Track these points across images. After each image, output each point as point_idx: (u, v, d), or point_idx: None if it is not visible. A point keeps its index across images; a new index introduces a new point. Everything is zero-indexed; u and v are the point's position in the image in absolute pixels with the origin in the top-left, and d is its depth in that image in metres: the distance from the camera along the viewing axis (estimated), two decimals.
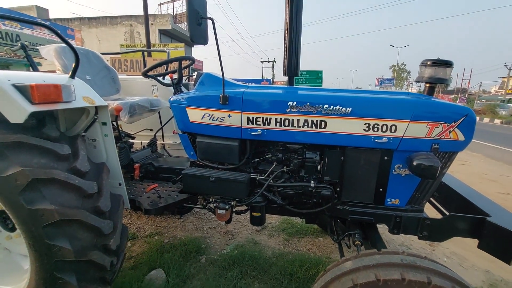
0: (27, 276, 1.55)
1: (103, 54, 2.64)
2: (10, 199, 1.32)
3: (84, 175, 1.51)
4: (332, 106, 1.66)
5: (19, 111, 1.23)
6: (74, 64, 1.58)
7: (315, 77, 21.82)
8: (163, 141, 2.80)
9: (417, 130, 1.61)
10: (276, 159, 1.89)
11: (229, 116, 1.80)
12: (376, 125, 1.65)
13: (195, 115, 1.87)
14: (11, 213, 1.38)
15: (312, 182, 1.82)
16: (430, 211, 1.96)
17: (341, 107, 1.66)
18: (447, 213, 1.89)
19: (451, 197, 2.04)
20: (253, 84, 2.14)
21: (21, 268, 1.82)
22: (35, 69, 2.09)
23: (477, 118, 23.42)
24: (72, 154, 1.49)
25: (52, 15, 21.03)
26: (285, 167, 1.88)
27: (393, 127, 1.63)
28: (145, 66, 2.87)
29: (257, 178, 1.89)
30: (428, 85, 1.77)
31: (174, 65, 2.26)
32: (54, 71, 2.21)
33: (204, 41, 1.51)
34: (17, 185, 1.28)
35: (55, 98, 1.34)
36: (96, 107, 1.67)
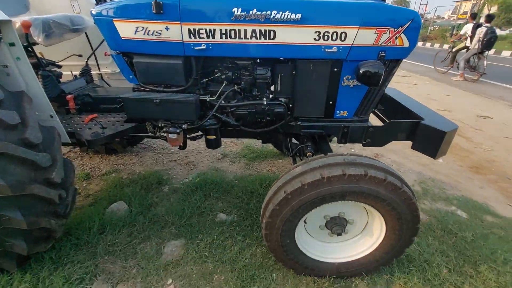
0: None
1: None
2: None
3: (0, 104, 1.29)
4: (281, 12, 1.51)
5: None
6: None
7: None
8: (99, 70, 2.46)
9: (366, 37, 1.57)
10: (226, 78, 1.78)
11: (167, 28, 1.57)
12: (326, 33, 1.57)
13: (126, 29, 1.60)
14: None
15: (264, 99, 1.79)
16: (375, 122, 2.10)
17: (290, 13, 1.52)
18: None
19: (394, 108, 2.19)
20: None
21: None
22: None
23: (429, 44, 24.31)
24: None
25: None
26: (236, 86, 1.79)
27: (343, 34, 1.57)
28: None
29: (208, 100, 1.79)
30: None
31: None
32: None
33: None
34: None
35: None
36: None
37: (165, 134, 1.82)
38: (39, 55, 1.91)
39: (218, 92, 1.78)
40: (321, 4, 1.57)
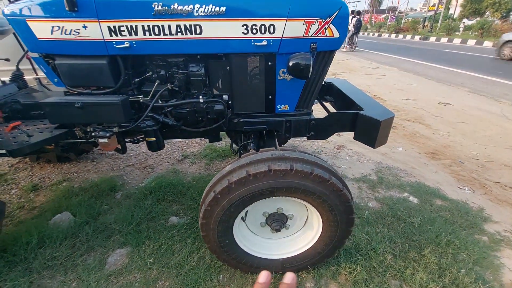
0: None
1: None
2: None
3: None
4: (204, 6, 1.46)
5: None
6: None
7: None
8: (36, 74, 2.32)
9: (295, 29, 1.55)
10: (158, 77, 1.71)
11: (84, 27, 1.48)
12: (254, 26, 1.53)
13: (41, 29, 1.50)
14: None
15: (201, 97, 1.74)
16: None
17: (214, 7, 1.47)
18: None
19: (342, 100, 2.20)
20: None
21: None
22: None
23: (401, 36, 25.03)
24: None
25: None
26: (170, 85, 1.72)
27: (272, 27, 1.54)
28: None
29: (141, 100, 1.72)
30: None
31: None
32: None
33: None
34: None
35: None
36: None
37: (95, 138, 1.73)
38: None
39: (152, 92, 1.71)
40: None
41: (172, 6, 1.46)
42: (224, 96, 1.81)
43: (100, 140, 1.65)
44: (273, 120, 1.87)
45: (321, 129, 1.91)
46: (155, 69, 1.71)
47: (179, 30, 1.52)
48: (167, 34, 1.53)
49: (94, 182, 2.68)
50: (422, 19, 29.96)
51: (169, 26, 1.51)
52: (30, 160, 3.01)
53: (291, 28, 1.55)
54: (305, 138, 2.04)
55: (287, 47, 1.61)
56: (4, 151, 1.65)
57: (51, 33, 1.50)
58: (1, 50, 2.12)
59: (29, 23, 1.49)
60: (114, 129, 1.67)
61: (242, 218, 1.62)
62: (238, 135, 2.23)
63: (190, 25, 1.51)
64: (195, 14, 1.48)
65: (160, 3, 1.45)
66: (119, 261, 1.84)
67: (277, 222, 1.56)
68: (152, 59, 1.70)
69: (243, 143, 1.98)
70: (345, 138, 3.76)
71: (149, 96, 1.72)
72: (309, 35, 1.58)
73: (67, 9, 1.42)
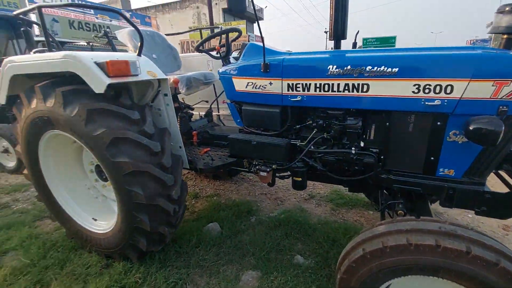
0: (116, 215, 2.03)
1: (166, 35, 2.98)
2: (100, 153, 1.73)
3: (151, 136, 1.84)
4: (375, 68, 1.57)
5: (100, 83, 1.58)
6: (139, 44, 1.87)
7: (387, 44, 18.90)
8: (218, 112, 3.07)
9: (479, 89, 1.40)
10: (316, 126, 1.91)
11: (270, 83, 1.88)
12: (427, 86, 1.49)
13: (240, 84, 2.02)
14: (102, 165, 1.82)
15: (353, 149, 1.80)
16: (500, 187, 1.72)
17: (386, 68, 1.55)
18: None
19: None
20: None
21: (113, 210, 2.37)
22: (114, 49, 2.53)
23: None
24: (141, 119, 1.83)
25: (133, 6, 23.81)
26: (325, 134, 1.88)
27: (449, 87, 1.45)
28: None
29: (298, 144, 1.95)
30: (505, 36, 1.48)
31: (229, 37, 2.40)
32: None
33: (242, 8, 1.58)
34: (104, 142, 1.68)
35: (125, 72, 1.66)
36: (159, 80, 1.96)
37: (257, 171, 2.07)
38: (181, 101, 2.61)
39: (308, 138, 1.92)
40: (422, 57, 1.53)
41: (345, 68, 1.64)
42: (375, 149, 1.80)
43: (261, 173, 1.97)
44: (431, 184, 1.68)
45: (499, 206, 1.55)
46: (315, 119, 1.92)
47: (346, 88, 1.68)
48: (334, 91, 1.72)
49: (236, 202, 3.15)
50: None
51: (338, 84, 1.69)
52: (195, 172, 3.90)
53: (475, 89, 1.41)
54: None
55: (466, 108, 1.46)
56: (191, 166, 2.25)
57: (246, 87, 1.99)
58: (202, 94, 2.96)
59: (234, 79, 2.04)
60: (273, 166, 1.96)
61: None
62: (380, 190, 2.12)
63: (358, 84, 1.64)
64: (366, 74, 1.60)
65: (335, 65, 1.66)
66: (250, 282, 2.04)
67: None
68: (314, 110, 1.92)
69: (390, 202, 1.86)
70: None
71: (305, 142, 1.94)
72: (499, 97, 1.39)
73: (262, 70, 1.86)
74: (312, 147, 1.93)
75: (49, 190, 2.18)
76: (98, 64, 1.59)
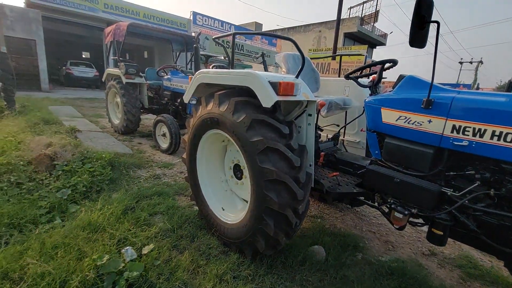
0: (244, 212, 2.28)
1: (312, 59, 3.22)
2: (251, 157, 2.00)
3: (294, 151, 2.00)
4: None
5: (270, 99, 1.84)
6: (300, 68, 2.09)
7: None
8: (344, 137, 3.06)
9: None
10: (481, 178, 1.64)
11: (429, 121, 1.75)
12: None
13: (389, 116, 1.96)
14: (248, 167, 2.09)
15: None
16: None
17: None
18: None
19: None
20: (464, 89, 1.92)
21: (236, 206, 2.68)
22: (266, 69, 2.90)
23: None
24: (289, 134, 2.02)
25: (264, 28, 26.92)
26: (492, 190, 1.60)
27: None
28: (340, 68, 3.23)
29: (449, 193, 1.73)
30: None
31: (373, 68, 2.41)
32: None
33: (422, 44, 1.55)
34: (257, 149, 1.93)
35: (290, 92, 1.88)
36: (308, 101, 2.13)
37: (388, 210, 1.94)
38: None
39: (465, 190, 1.67)
40: None
41: None
42: None
43: (396, 214, 1.84)
44: None
45: None
46: (480, 170, 1.66)
47: None
48: None
49: (341, 232, 3.03)
50: None
51: None
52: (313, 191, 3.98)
53: None
54: None
55: None
56: (317, 187, 2.30)
57: (396, 120, 1.92)
58: (332, 118, 3.02)
59: (382, 110, 2.00)
60: (413, 210, 1.80)
61: None
62: None
63: None
64: None
65: None
66: None
67: None
68: (482, 160, 1.66)
69: None
70: None
71: (460, 193, 1.69)
72: None
73: (422, 106, 1.75)
74: (467, 201, 1.67)
75: (197, 175, 2.66)
76: (271, 83, 1.86)
